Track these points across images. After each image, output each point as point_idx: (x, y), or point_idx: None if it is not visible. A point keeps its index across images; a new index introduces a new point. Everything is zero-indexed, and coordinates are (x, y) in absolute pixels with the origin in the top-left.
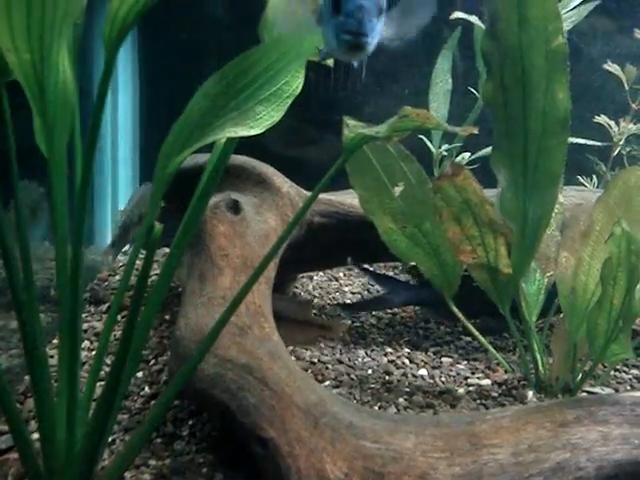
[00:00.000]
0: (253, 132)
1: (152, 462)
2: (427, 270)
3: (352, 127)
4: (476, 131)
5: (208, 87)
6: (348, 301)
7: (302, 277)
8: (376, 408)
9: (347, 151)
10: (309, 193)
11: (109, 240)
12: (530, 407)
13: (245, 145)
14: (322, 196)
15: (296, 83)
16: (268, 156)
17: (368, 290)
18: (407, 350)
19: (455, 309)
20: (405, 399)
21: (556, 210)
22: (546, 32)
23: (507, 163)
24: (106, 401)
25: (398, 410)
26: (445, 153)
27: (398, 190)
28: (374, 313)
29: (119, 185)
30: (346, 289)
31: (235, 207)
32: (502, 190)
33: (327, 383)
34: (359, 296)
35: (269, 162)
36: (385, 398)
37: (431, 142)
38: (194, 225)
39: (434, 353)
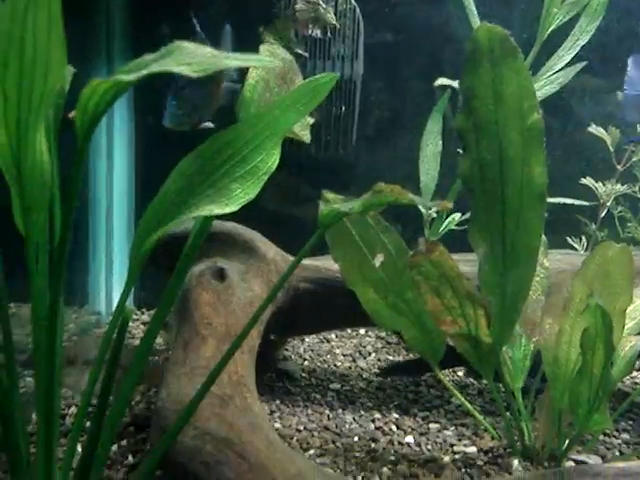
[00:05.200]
0: (228, 210)
1: None
2: (411, 338)
3: (328, 203)
4: (451, 206)
5: (184, 166)
6: (339, 363)
7: (293, 339)
8: (359, 478)
9: (323, 225)
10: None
11: (102, 302)
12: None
13: None
14: (308, 262)
15: (271, 160)
16: (264, 213)
17: (360, 352)
18: (395, 415)
19: (442, 377)
20: (389, 468)
21: (542, 274)
22: (521, 109)
23: (485, 237)
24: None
25: None
26: (435, 215)
27: (379, 261)
28: (364, 377)
29: (114, 246)
30: (337, 351)
31: (221, 274)
32: (481, 264)
33: (312, 452)
34: (350, 358)
35: (266, 219)
36: (369, 467)
37: None
38: (174, 296)
39: (422, 418)
